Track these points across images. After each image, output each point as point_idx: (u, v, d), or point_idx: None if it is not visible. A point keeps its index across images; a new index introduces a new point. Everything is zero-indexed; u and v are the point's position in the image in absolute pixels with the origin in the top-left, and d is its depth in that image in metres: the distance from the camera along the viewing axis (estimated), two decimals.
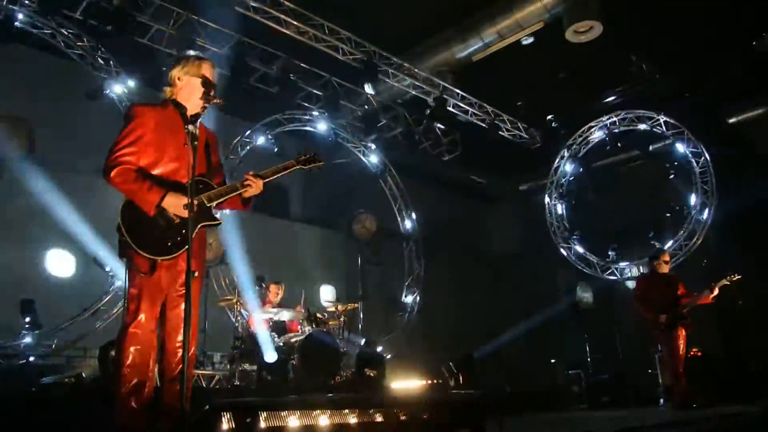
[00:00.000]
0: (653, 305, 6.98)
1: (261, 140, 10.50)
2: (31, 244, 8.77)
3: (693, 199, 10.72)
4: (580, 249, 11.92)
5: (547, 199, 12.35)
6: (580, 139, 11.98)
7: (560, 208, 12.34)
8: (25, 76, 8.74)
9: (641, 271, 10.87)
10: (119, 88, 9.06)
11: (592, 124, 11.76)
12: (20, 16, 8.20)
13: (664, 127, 10.99)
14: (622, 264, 11.44)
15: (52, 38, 8.67)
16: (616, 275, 11.44)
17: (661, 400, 8.20)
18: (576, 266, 11.80)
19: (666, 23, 9.37)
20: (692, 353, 7.56)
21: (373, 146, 12.09)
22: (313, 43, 9.35)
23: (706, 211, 10.48)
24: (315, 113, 11.06)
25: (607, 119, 11.55)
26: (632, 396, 9.13)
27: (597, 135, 11.84)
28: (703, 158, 10.60)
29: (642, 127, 11.25)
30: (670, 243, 10.61)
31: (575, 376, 9.24)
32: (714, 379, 8.23)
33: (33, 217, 8.60)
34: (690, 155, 10.75)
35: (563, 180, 12.38)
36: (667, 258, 7.34)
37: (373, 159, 12.22)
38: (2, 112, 7.40)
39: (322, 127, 11.20)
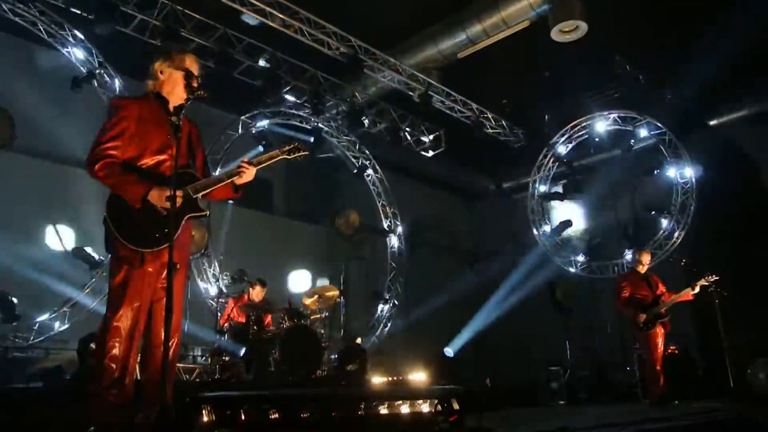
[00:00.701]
0: (633, 304, 7.09)
1: (244, 133, 10.46)
2: (10, 233, 8.67)
3: (673, 200, 10.85)
4: (560, 247, 12.01)
5: (529, 197, 12.43)
6: (564, 138, 12.07)
7: (542, 206, 12.42)
8: (6, 65, 8.61)
9: (622, 269, 10.98)
10: (102, 78, 8.98)
11: (576, 123, 11.85)
12: (1, 2, 8.08)
13: (646, 128, 11.10)
14: (603, 262, 11.55)
15: (32, 26, 8.56)
16: (596, 273, 11.54)
17: (640, 397, 8.30)
18: (557, 263, 11.90)
19: (649, 24, 9.46)
20: (670, 351, 7.67)
21: (357, 141, 12.11)
22: (298, 36, 9.31)
23: (687, 211, 10.61)
24: (299, 108, 11.04)
25: (591, 119, 11.64)
26: (611, 393, 9.24)
27: (580, 134, 11.93)
28: (684, 159, 10.72)
29: (625, 127, 11.35)
30: (656, 243, 10.74)
31: (554, 373, 9.31)
32: (691, 376, 8.37)
33: (12, 208, 8.53)
34: (671, 155, 10.87)
35: (546, 178, 12.46)
36: (646, 258, 7.43)
37: (357, 153, 12.24)
38: None
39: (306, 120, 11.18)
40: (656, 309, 6.99)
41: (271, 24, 8.97)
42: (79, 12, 8.26)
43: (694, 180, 10.63)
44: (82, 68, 8.95)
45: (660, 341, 7.00)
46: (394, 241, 12.68)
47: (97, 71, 9.00)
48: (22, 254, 8.74)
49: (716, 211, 10.25)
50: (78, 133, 7.54)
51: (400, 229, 12.68)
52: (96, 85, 9.00)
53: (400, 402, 3.89)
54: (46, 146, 8.78)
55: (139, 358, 3.26)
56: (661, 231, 10.85)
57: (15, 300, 7.79)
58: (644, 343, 7.10)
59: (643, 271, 7.35)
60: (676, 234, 10.62)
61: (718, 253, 9.51)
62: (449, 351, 7.30)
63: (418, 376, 8.74)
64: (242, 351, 7.19)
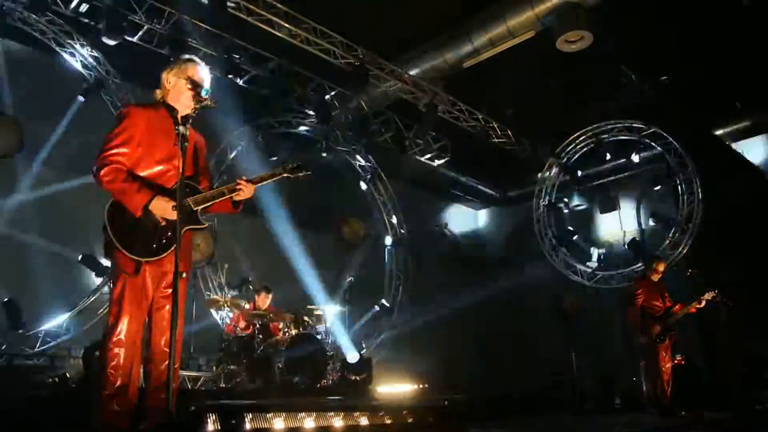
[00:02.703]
0: (646, 314, 7.04)
1: (250, 142, 10.50)
2: (18, 241, 8.73)
3: (680, 209, 10.81)
4: (566, 256, 11.98)
5: (535, 207, 12.42)
6: (569, 147, 12.06)
7: (548, 216, 12.41)
8: (15, 73, 8.69)
9: (628, 279, 10.94)
10: (110, 87, 9.05)
11: (581, 132, 11.84)
12: (11, 12, 8.16)
13: (651, 138, 11.09)
14: (609, 272, 11.51)
15: (42, 35, 8.64)
16: (601, 283, 11.51)
17: (646, 407, 8.26)
18: (562, 273, 11.87)
19: (655, 34, 9.47)
20: (676, 361, 7.64)
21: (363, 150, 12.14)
22: (305, 46, 9.36)
23: (693, 220, 10.57)
24: (305, 117, 11.09)
25: (596, 128, 11.64)
26: (617, 403, 9.18)
27: (585, 144, 11.93)
28: (689, 168, 10.69)
29: (630, 137, 11.35)
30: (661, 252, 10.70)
31: (560, 382, 9.26)
32: (697, 386, 8.31)
33: (19, 215, 8.59)
34: (676, 165, 10.85)
35: (551, 188, 12.46)
36: (661, 267, 7.35)
37: (363, 162, 12.26)
38: None
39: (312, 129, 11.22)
40: (669, 321, 6.96)
41: (277, 34, 9.01)
42: (87, 21, 8.32)
43: (700, 189, 10.59)
44: (90, 77, 9.02)
45: (667, 353, 6.98)
46: (398, 250, 12.67)
47: (105, 80, 9.07)
48: (29, 262, 8.80)
49: (722, 220, 10.22)
50: (85, 141, 7.58)
51: (404, 238, 12.67)
52: (103, 94, 9.07)
53: (405, 412, 3.89)
54: (54, 154, 8.83)
55: (142, 366, 3.27)
56: (667, 241, 10.81)
57: (22, 307, 7.82)
58: (654, 354, 7.04)
59: (656, 280, 7.30)
60: (681, 244, 10.58)
61: (724, 262, 9.47)
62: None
63: (421, 386, 8.73)
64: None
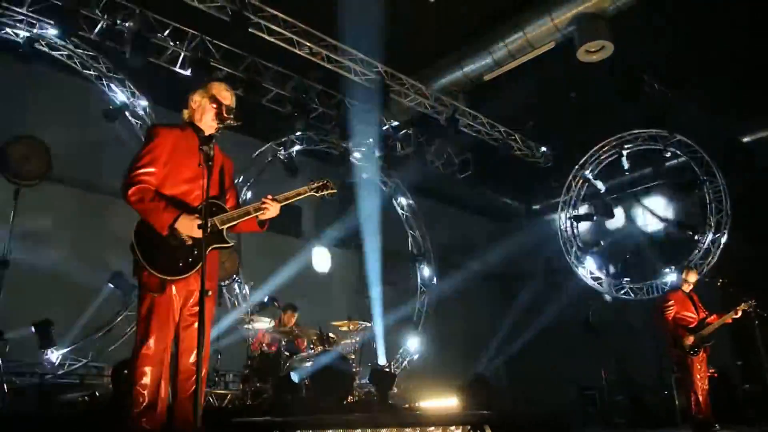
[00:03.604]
0: (679, 325, 6.91)
1: (273, 159, 10.60)
2: (48, 262, 8.87)
3: (708, 218, 10.65)
4: (593, 268, 11.84)
5: (559, 219, 12.32)
6: (593, 158, 11.96)
7: (573, 228, 12.29)
8: (44, 97, 8.89)
9: (657, 290, 10.77)
10: (135, 108, 9.21)
11: (605, 143, 11.74)
12: (39, 38, 8.36)
13: (676, 146, 10.96)
14: (636, 283, 11.34)
15: (69, 59, 8.83)
16: (630, 294, 11.34)
17: (679, 422, 8.09)
18: (589, 285, 11.72)
19: (678, 42, 9.39)
20: (709, 374, 7.47)
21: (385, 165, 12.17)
22: (325, 63, 9.45)
23: (722, 229, 10.40)
24: (327, 134, 11.17)
25: (619, 138, 11.53)
26: (648, 418, 9.00)
27: (609, 154, 11.82)
28: (717, 177, 10.53)
29: (655, 146, 11.22)
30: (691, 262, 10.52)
31: (589, 397, 9.12)
32: (732, 400, 8.12)
33: (50, 236, 8.74)
34: (704, 174, 10.70)
35: (575, 199, 12.35)
36: (692, 277, 7.21)
37: (385, 178, 12.30)
38: (22, 135, 7.51)
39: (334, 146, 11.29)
40: (703, 332, 6.81)
41: (298, 52, 9.11)
42: (112, 45, 8.50)
43: (728, 197, 10.42)
44: (115, 99, 9.19)
45: (703, 365, 6.83)
46: (423, 266, 12.64)
47: (130, 102, 9.24)
48: (59, 281, 8.93)
49: (752, 228, 10.03)
50: (111, 162, 7.71)
51: (429, 254, 12.64)
52: (129, 115, 9.22)
53: (433, 428, 3.85)
54: (82, 176, 8.99)
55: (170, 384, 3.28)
56: (696, 250, 10.63)
57: (52, 326, 7.92)
58: (688, 367, 6.88)
59: (688, 290, 7.17)
60: (711, 253, 10.40)
61: (756, 271, 9.28)
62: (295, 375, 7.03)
63: (450, 401, 8.64)
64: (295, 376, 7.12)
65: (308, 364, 7.21)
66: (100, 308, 8.86)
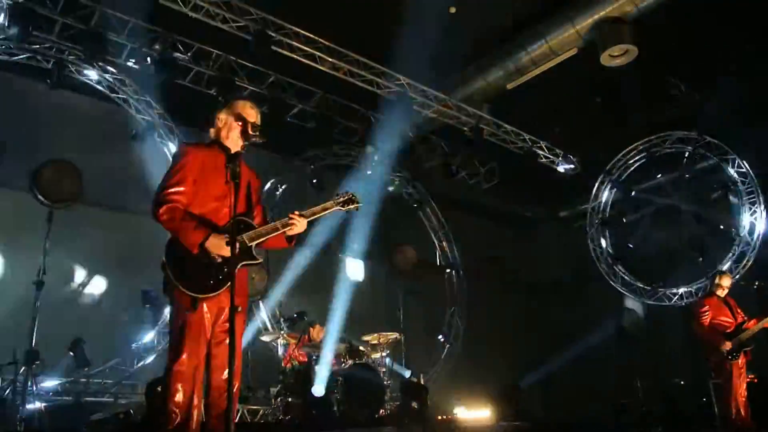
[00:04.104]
0: (716, 330, 6.75)
1: (299, 176, 10.67)
2: (81, 282, 9.04)
3: (742, 221, 10.44)
4: (625, 275, 11.67)
5: (588, 226, 12.17)
6: (620, 163, 11.82)
7: (603, 234, 12.13)
8: (73, 121, 9.07)
9: (690, 295, 10.58)
10: (161, 129, 9.35)
11: (632, 147, 11.61)
12: (67, 64, 8.56)
13: (707, 148, 10.78)
14: (671, 289, 11.14)
15: (97, 84, 9.02)
16: (663, 300, 11.15)
17: (718, 430, 7.88)
18: (621, 292, 11.55)
19: (702, 43, 9.26)
20: (749, 379, 7.28)
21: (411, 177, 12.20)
22: (348, 78, 9.50)
23: (756, 232, 10.18)
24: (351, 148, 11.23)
25: (647, 142, 11.39)
26: (687, 425, 8.80)
27: (637, 159, 11.67)
28: (749, 178, 10.34)
29: (684, 148, 11.05)
30: (726, 266, 10.30)
31: (624, 406, 8.94)
32: None
33: (82, 257, 8.90)
34: (736, 175, 10.50)
35: (604, 206, 12.20)
36: (727, 282, 7.05)
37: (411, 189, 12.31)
38: (53, 159, 7.67)
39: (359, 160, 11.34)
40: (742, 337, 6.65)
41: (321, 68, 9.19)
42: (138, 68, 8.66)
43: (762, 198, 10.20)
44: (142, 121, 9.35)
45: (742, 371, 6.66)
46: (452, 276, 12.58)
47: (157, 123, 9.38)
48: (92, 301, 9.09)
49: None
50: (140, 182, 7.82)
51: (457, 264, 12.58)
52: (156, 136, 9.37)
53: None
54: (111, 197, 9.14)
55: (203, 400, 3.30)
56: (731, 253, 10.41)
57: (86, 345, 8.04)
58: (726, 373, 6.71)
59: (723, 295, 7.02)
60: (746, 257, 10.18)
61: None
62: (318, 390, 6.86)
63: (483, 412, 8.56)
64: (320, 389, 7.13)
65: (339, 378, 7.21)
66: (132, 326, 8.97)
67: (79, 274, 9.06)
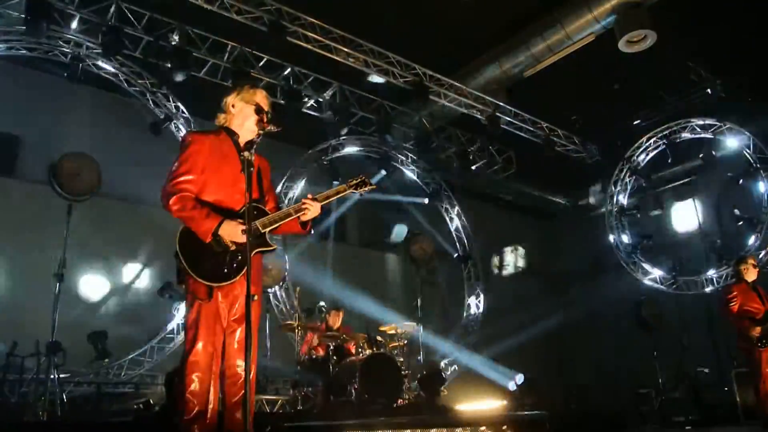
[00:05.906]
0: (744, 317, 6.64)
1: (315, 165, 10.69)
2: (100, 274, 9.14)
3: (764, 207, 10.26)
4: (644, 263, 11.55)
5: (607, 214, 12.05)
6: (639, 150, 11.68)
7: (621, 223, 12.01)
8: (91, 114, 9.14)
9: (711, 283, 10.45)
10: (179, 121, 9.41)
11: (652, 134, 11.45)
12: (86, 58, 8.63)
13: (727, 134, 10.61)
14: (689, 277, 11.01)
15: (114, 77, 9.08)
16: (683, 289, 11.02)
17: (741, 419, 7.78)
18: (640, 281, 11.43)
19: (722, 28, 9.09)
20: None
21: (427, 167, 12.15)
22: (363, 68, 9.47)
23: None
24: (368, 138, 11.21)
25: (667, 129, 11.24)
26: (709, 415, 8.69)
27: (656, 146, 11.52)
28: None
29: (704, 135, 10.89)
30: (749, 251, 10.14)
31: (644, 396, 8.85)
32: None
33: (101, 249, 8.99)
34: (757, 161, 10.32)
35: (623, 193, 12.06)
36: (754, 262, 6.93)
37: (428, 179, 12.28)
38: (72, 152, 7.73)
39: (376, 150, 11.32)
40: None
41: (336, 58, 9.16)
42: (155, 61, 8.70)
43: None
44: (159, 113, 9.41)
45: None
46: (469, 265, 12.54)
47: (174, 115, 9.44)
48: (112, 293, 9.19)
49: None
50: (157, 175, 7.86)
51: (476, 254, 12.54)
52: (173, 128, 9.42)
53: (484, 428, 3.80)
54: (130, 189, 9.21)
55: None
56: (753, 241, 10.26)
57: (106, 338, 8.14)
58: (756, 360, 6.60)
59: (750, 280, 6.89)
60: None
61: None
62: (513, 383, 6.72)
63: (500, 402, 8.55)
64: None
65: (357, 367, 7.22)
66: (152, 317, 9.06)
67: (99, 267, 9.15)
